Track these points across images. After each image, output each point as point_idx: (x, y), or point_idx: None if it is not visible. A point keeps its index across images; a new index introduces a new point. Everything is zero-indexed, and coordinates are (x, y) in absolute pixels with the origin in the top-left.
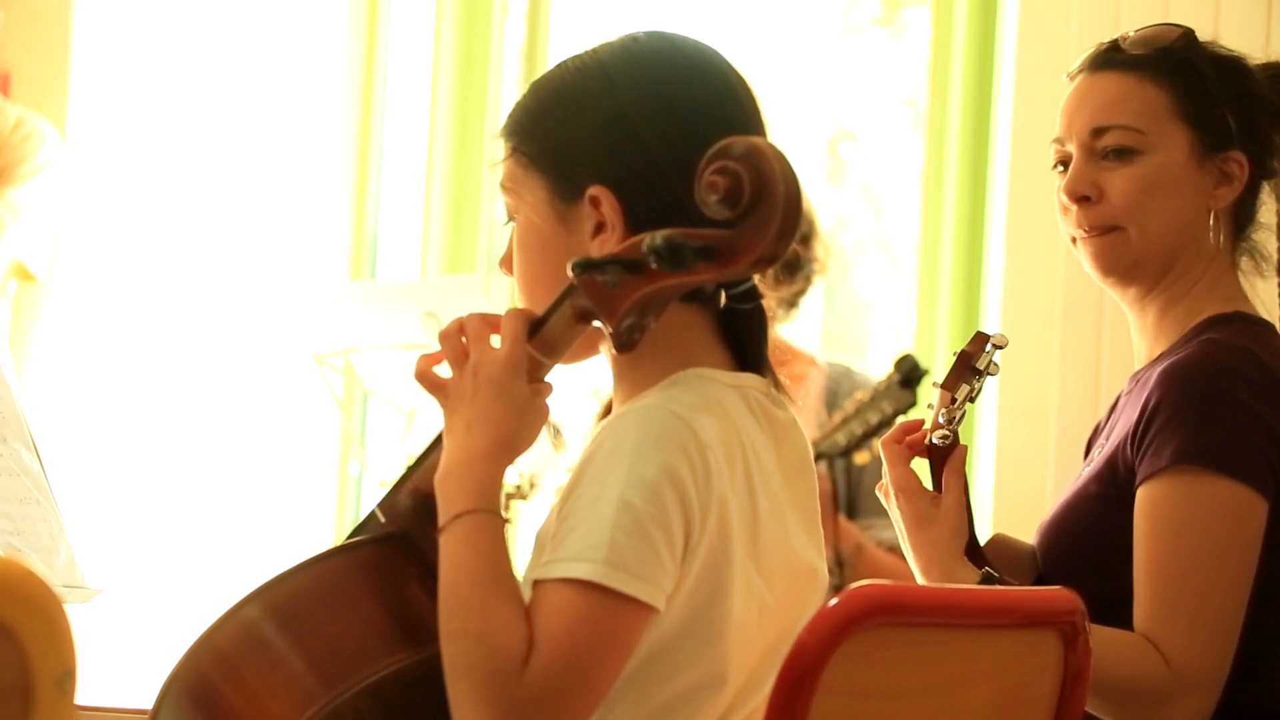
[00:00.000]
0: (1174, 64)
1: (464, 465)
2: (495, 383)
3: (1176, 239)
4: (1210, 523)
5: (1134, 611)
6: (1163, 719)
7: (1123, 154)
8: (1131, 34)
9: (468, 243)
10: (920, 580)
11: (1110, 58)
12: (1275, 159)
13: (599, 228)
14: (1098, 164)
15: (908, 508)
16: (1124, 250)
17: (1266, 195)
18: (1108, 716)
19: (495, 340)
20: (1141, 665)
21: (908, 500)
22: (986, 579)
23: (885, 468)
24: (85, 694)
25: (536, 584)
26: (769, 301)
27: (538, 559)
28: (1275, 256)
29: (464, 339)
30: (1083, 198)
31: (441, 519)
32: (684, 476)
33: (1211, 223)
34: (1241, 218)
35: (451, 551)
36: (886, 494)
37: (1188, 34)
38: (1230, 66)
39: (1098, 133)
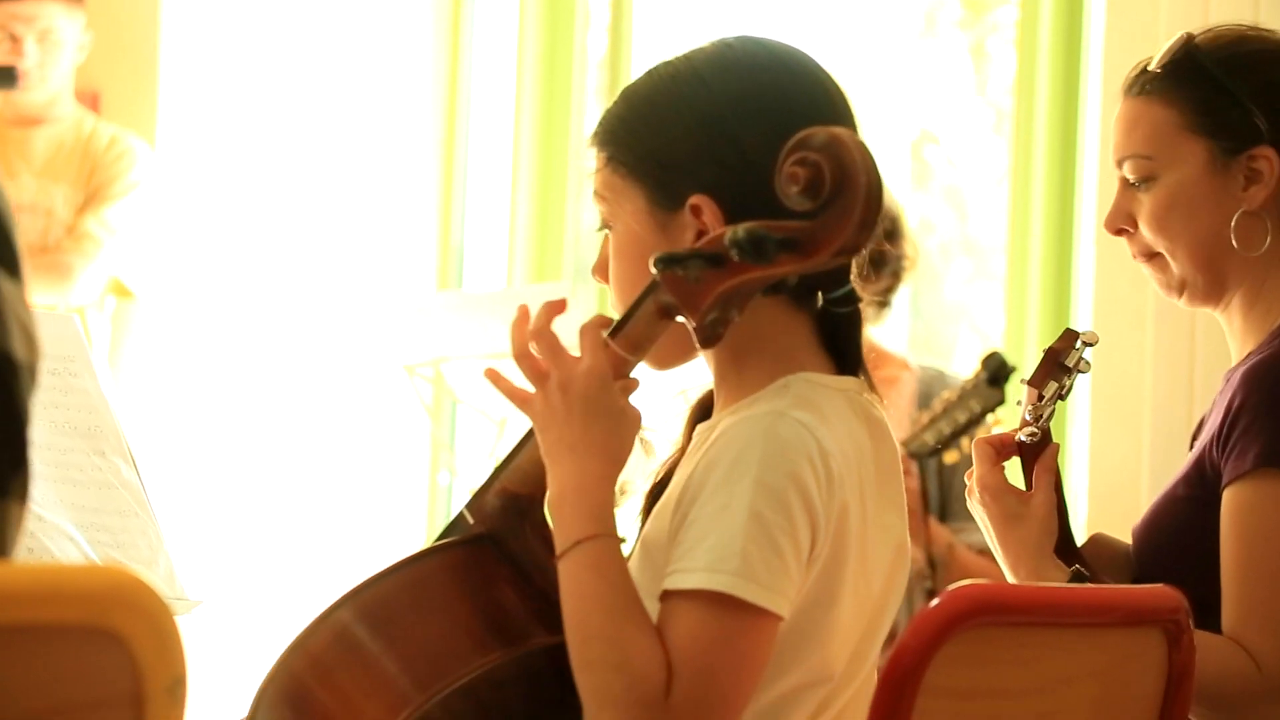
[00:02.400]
0: (1181, 77)
1: (578, 491)
2: (588, 399)
3: (1214, 251)
4: None
5: (1222, 615)
6: None
7: (1143, 181)
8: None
9: (553, 251)
10: (1009, 579)
11: (1134, 82)
12: None
13: (700, 235)
14: (1130, 194)
15: (994, 506)
16: (1170, 274)
17: None
18: (1197, 718)
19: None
20: (1231, 668)
21: (994, 499)
22: (1076, 577)
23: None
24: (188, 704)
25: (666, 595)
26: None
27: (649, 565)
28: None
29: (539, 355)
30: (1119, 230)
31: (560, 545)
32: (810, 485)
33: (1247, 223)
34: None
35: (576, 579)
36: (971, 492)
37: (1188, 41)
38: (1242, 62)
39: (1120, 164)
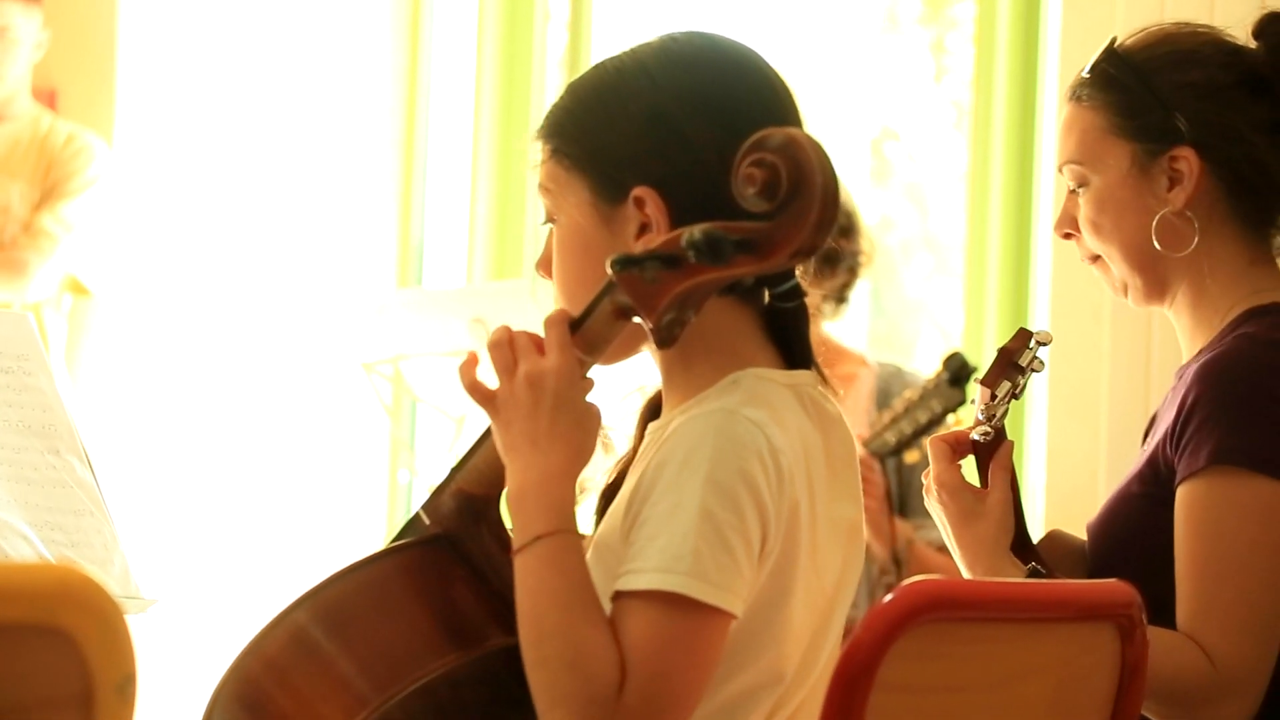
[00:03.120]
0: (1104, 81)
1: (540, 485)
2: (555, 395)
3: (1144, 252)
4: (1249, 523)
5: (1177, 611)
6: (1207, 719)
7: (1079, 186)
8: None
9: (513, 248)
10: (965, 576)
11: (1070, 88)
12: (1235, 138)
13: (643, 228)
14: (1073, 199)
15: (951, 504)
16: (1112, 276)
17: None
18: (1151, 715)
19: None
20: (1186, 665)
21: (951, 497)
22: (1033, 574)
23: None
24: (141, 703)
25: (619, 595)
26: (812, 298)
27: (602, 565)
28: None
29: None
30: (1065, 235)
31: (519, 540)
32: (760, 482)
33: (1168, 224)
34: (1240, 203)
35: (533, 574)
36: (929, 490)
37: (1111, 45)
38: (1164, 62)
39: (1060, 170)
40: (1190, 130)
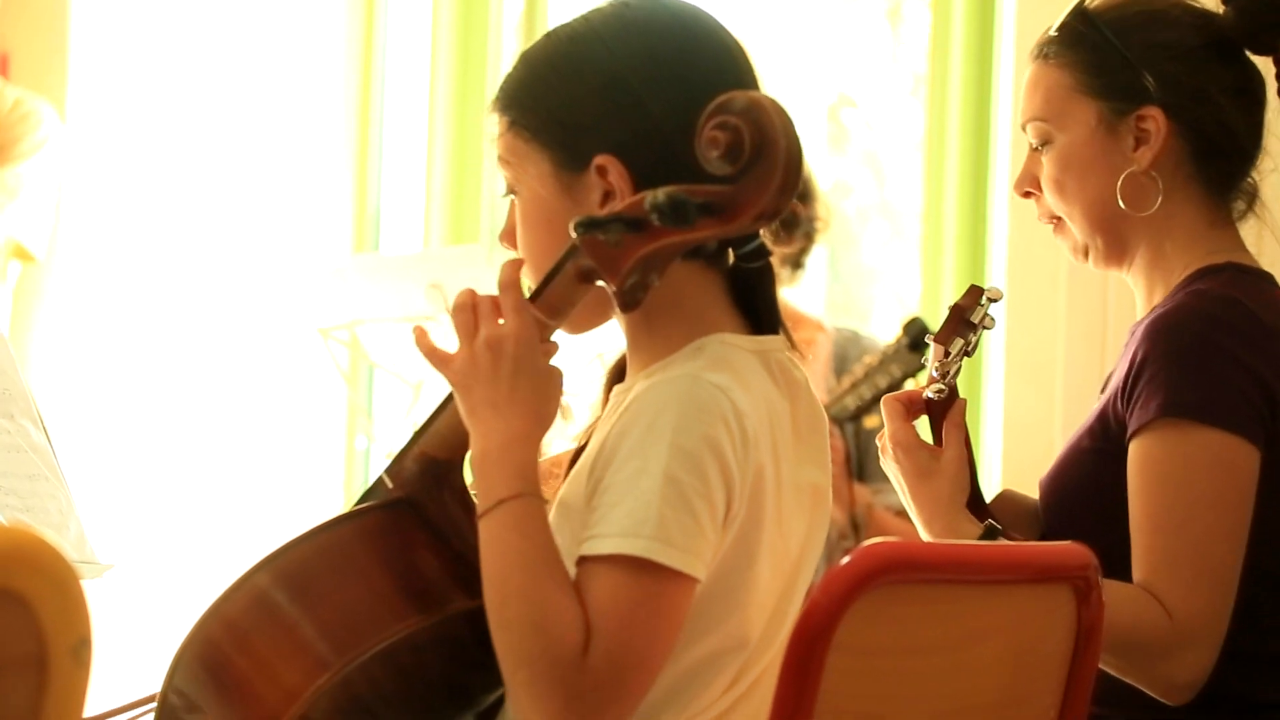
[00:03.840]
0: (1073, 39)
1: (502, 449)
2: (515, 359)
3: (1107, 212)
4: (1201, 475)
5: (1133, 565)
6: (1165, 672)
7: (1042, 145)
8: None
9: (470, 214)
10: (923, 535)
11: (1035, 48)
12: (1202, 99)
13: (607, 196)
14: (1035, 157)
15: (907, 461)
16: (1073, 237)
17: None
18: (1110, 669)
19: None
20: (1144, 617)
21: (906, 454)
22: (989, 532)
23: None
24: (96, 669)
25: (584, 560)
26: (773, 261)
27: (566, 528)
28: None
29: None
30: (1026, 193)
31: (483, 504)
32: (725, 447)
33: (1136, 182)
34: (1203, 164)
35: (498, 538)
36: (884, 450)
37: (1079, 4)
38: (1133, 22)
39: (1024, 127)
40: (1159, 91)
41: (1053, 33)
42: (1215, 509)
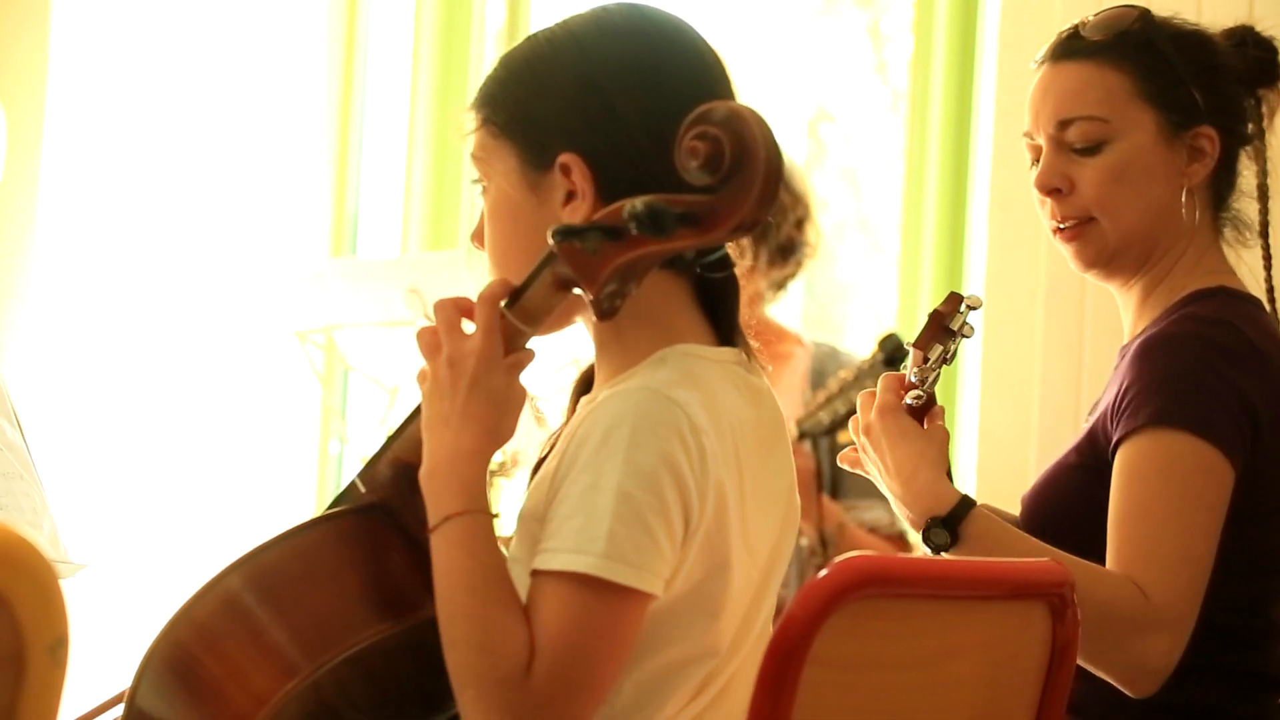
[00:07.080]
0: (1133, 46)
1: (449, 464)
2: (471, 376)
3: (1153, 223)
4: (1187, 476)
5: (1109, 556)
6: (1139, 650)
7: (1092, 145)
8: (1090, 19)
9: (449, 219)
10: (900, 493)
11: (1071, 46)
12: (1247, 126)
13: (569, 196)
14: (1067, 156)
15: (892, 424)
16: (1102, 242)
17: (1246, 163)
18: (1082, 655)
19: (468, 326)
20: (1121, 594)
21: (893, 418)
22: (965, 501)
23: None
24: (71, 668)
25: (536, 573)
26: (760, 283)
27: (526, 538)
28: (1258, 221)
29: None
30: (1054, 190)
31: (432, 520)
32: (681, 463)
33: (1185, 200)
34: (1221, 190)
35: (444, 555)
36: (860, 431)
37: (1144, 14)
38: (1191, 41)
39: (1064, 125)
40: (1210, 112)
41: (1101, 36)
42: (1198, 509)
